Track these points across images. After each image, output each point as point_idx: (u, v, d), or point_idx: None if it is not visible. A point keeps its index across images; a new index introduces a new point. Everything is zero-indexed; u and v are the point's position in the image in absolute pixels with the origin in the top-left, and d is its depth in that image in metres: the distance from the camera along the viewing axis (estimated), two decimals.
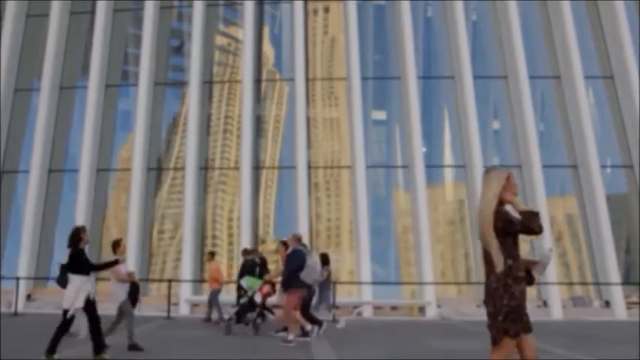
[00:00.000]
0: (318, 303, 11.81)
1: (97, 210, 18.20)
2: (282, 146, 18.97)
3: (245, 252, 12.74)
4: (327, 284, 12.29)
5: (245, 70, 18.37)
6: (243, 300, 11.06)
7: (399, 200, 18.56)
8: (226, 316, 11.88)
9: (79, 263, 7.35)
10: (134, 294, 8.72)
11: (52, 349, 7.12)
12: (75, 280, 7.28)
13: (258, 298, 10.72)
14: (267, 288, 10.83)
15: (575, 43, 17.72)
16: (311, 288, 9.88)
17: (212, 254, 14.27)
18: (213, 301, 13.25)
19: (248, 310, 10.79)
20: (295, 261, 9.41)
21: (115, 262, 8.10)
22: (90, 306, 7.33)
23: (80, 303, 7.22)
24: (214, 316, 13.11)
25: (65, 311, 7.25)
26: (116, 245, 8.83)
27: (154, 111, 18.80)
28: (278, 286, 10.52)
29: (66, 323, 7.28)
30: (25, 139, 19.05)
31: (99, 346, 7.29)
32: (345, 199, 18.20)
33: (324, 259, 12.34)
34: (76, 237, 7.46)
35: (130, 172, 17.87)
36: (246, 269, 11.88)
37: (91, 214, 17.82)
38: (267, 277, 11.15)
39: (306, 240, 16.62)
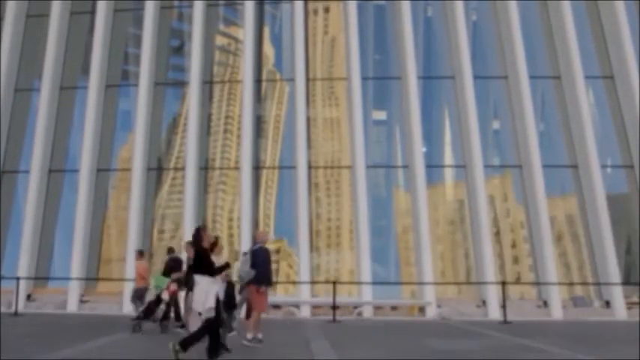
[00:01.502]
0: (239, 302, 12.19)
1: (97, 210, 18.20)
2: (283, 146, 18.97)
3: (169, 250, 12.76)
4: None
5: (245, 70, 18.38)
6: (151, 298, 11.50)
7: (399, 200, 18.55)
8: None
9: (204, 263, 7.15)
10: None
11: (214, 353, 6.99)
12: (202, 281, 7.09)
13: (165, 296, 11.09)
14: (174, 286, 11.13)
15: (575, 43, 17.72)
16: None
17: (141, 253, 14.14)
18: (137, 298, 13.25)
19: (156, 307, 11.18)
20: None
21: (227, 266, 7.82)
22: (216, 307, 7.16)
23: (211, 303, 7.02)
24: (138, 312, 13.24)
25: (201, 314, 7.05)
26: (214, 245, 8.23)
27: (154, 111, 18.81)
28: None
29: (208, 325, 7.07)
30: (25, 139, 19.06)
31: (213, 349, 7.03)
32: (345, 199, 18.19)
33: (246, 258, 12.56)
34: (198, 237, 7.24)
35: (130, 172, 17.88)
36: (170, 268, 12.01)
37: (91, 214, 17.83)
38: (174, 276, 11.33)
39: (306, 240, 16.72)
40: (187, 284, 7.37)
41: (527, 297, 16.97)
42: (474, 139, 17.20)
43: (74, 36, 19.84)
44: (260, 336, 9.16)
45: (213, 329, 7.09)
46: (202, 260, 7.15)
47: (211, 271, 7.16)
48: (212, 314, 7.02)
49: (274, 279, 9.44)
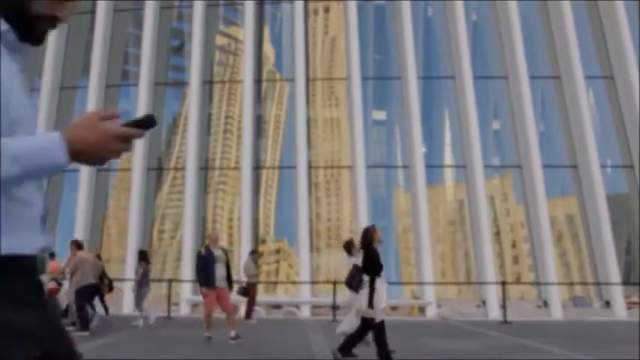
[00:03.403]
0: (136, 299, 12.60)
1: (97, 210, 18.21)
2: (283, 146, 18.98)
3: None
4: (144, 281, 12.69)
5: (245, 70, 18.38)
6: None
7: (399, 200, 18.56)
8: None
9: (374, 264, 6.97)
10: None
11: (346, 350, 6.87)
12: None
13: None
14: (52, 284, 11.39)
15: (575, 43, 17.72)
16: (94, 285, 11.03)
17: (52, 255, 14.06)
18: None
19: None
20: None
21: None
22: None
23: (382, 304, 6.90)
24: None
25: (365, 317, 6.89)
26: (351, 245, 8.43)
27: (154, 111, 18.78)
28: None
29: (377, 329, 6.86)
30: None
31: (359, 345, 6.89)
32: (345, 199, 18.20)
33: (142, 256, 12.93)
34: (368, 236, 7.10)
35: (130, 172, 17.88)
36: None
37: (91, 215, 17.84)
38: (51, 274, 11.57)
39: (306, 240, 16.73)
40: (352, 285, 7.27)
41: (527, 297, 16.98)
42: (474, 139, 17.20)
43: (74, 36, 19.85)
44: (206, 334, 9.11)
45: (381, 334, 6.88)
46: (371, 260, 6.98)
47: (378, 271, 6.99)
48: (383, 316, 6.89)
49: (219, 281, 9.06)
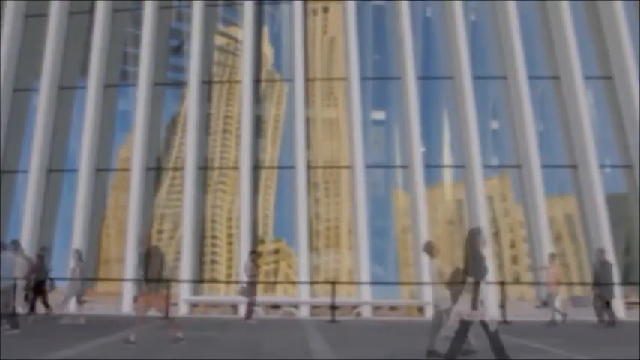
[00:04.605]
0: (65, 297, 13.00)
1: (97, 210, 18.19)
2: (282, 146, 18.96)
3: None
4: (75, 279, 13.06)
5: (244, 70, 18.38)
6: None
7: (398, 200, 18.55)
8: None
9: (477, 265, 6.93)
10: None
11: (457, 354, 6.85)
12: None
13: None
14: None
15: (574, 43, 17.72)
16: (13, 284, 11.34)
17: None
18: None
19: None
20: None
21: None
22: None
23: (488, 308, 6.93)
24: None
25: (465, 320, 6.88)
26: (432, 248, 8.76)
27: (153, 111, 18.79)
28: None
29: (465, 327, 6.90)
30: (25, 139, 19.03)
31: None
32: (344, 199, 18.19)
33: (79, 256, 13.42)
34: (473, 238, 7.10)
35: (130, 172, 17.87)
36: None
37: (90, 214, 17.82)
38: None
39: (305, 240, 16.72)
40: (454, 288, 7.25)
41: (526, 297, 16.97)
42: (473, 139, 17.21)
43: (73, 36, 19.82)
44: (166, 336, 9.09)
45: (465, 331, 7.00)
46: (474, 261, 6.96)
47: (484, 274, 6.97)
48: (495, 319, 6.95)
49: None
